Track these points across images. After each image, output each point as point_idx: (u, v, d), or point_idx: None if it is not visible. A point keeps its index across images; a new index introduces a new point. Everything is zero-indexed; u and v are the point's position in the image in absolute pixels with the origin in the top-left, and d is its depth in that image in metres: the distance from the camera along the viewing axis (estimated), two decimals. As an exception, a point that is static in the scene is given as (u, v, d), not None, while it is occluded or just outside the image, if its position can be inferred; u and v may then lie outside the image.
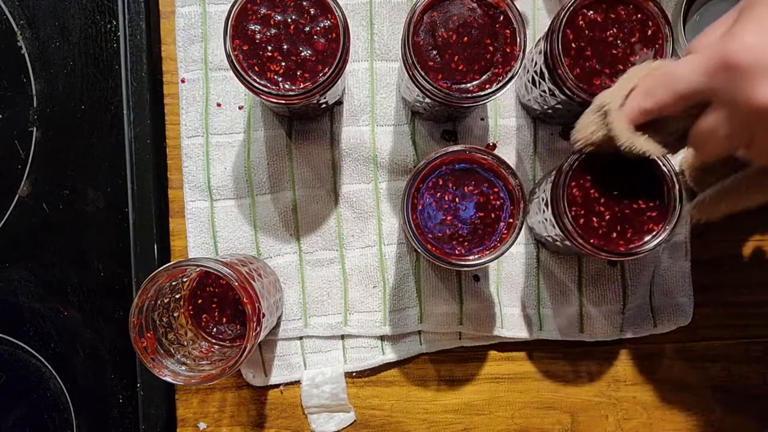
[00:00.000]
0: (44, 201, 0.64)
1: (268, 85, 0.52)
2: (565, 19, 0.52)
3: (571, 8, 0.52)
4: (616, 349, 0.65)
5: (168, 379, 0.49)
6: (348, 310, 0.63)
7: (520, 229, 0.51)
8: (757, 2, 0.39)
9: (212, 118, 0.63)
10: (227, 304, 0.57)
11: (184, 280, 0.56)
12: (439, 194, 0.53)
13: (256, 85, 0.51)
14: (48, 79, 0.64)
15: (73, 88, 0.64)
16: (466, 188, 0.53)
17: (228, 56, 0.51)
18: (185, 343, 0.54)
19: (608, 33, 0.54)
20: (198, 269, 0.52)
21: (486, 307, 0.63)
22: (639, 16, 0.54)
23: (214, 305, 0.57)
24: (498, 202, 0.53)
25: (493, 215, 0.53)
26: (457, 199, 0.53)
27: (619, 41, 0.54)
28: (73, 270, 0.64)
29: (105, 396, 0.64)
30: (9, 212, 0.63)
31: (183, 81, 0.63)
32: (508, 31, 0.53)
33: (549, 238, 0.59)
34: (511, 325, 0.63)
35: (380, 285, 0.63)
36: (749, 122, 0.38)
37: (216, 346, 0.57)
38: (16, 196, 0.63)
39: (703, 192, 0.50)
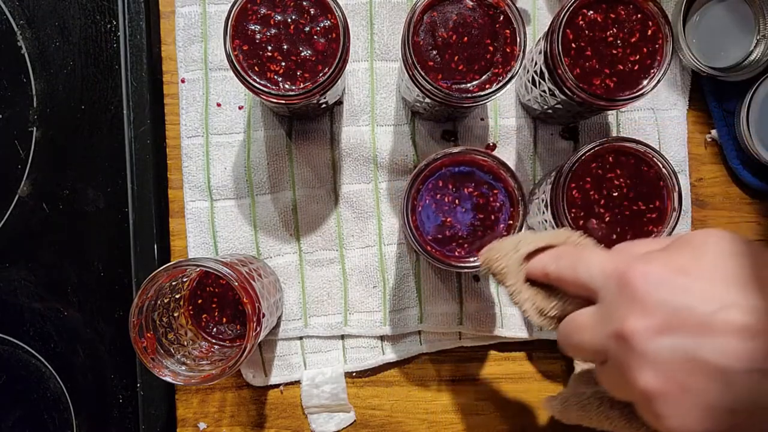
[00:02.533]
0: (44, 201, 0.64)
1: (268, 85, 0.52)
2: (565, 19, 0.52)
3: (571, 8, 0.52)
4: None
5: (168, 379, 0.49)
6: (348, 310, 0.63)
7: (520, 230, 0.51)
8: (683, 240, 0.38)
9: (212, 118, 0.63)
10: (227, 304, 0.57)
11: (184, 280, 0.56)
12: (438, 196, 0.53)
13: (256, 85, 0.51)
14: (48, 79, 0.64)
15: (73, 88, 0.64)
16: (465, 190, 0.53)
17: (228, 56, 0.51)
18: (185, 343, 0.54)
19: (608, 33, 0.54)
20: (198, 269, 0.52)
21: (486, 307, 0.63)
22: (639, 16, 0.54)
23: (214, 305, 0.57)
24: (498, 204, 0.53)
25: (492, 217, 0.53)
26: (456, 201, 0.53)
27: (619, 41, 0.54)
28: (73, 270, 0.64)
29: (105, 396, 0.64)
30: (9, 212, 0.63)
31: (183, 81, 0.63)
32: (508, 31, 0.53)
33: (549, 239, 0.59)
34: (511, 325, 0.63)
35: (380, 285, 0.63)
36: (613, 346, 0.37)
37: (216, 346, 0.57)
38: (16, 196, 0.63)
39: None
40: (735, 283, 0.35)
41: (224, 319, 0.57)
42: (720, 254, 0.36)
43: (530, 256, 0.44)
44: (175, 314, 0.55)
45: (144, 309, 0.50)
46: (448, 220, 0.53)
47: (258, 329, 0.50)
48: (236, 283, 0.49)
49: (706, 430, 0.34)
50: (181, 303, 0.56)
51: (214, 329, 0.58)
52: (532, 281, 0.44)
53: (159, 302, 0.52)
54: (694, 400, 0.34)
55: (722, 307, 0.34)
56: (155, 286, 0.49)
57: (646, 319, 0.35)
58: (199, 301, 0.57)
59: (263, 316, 0.51)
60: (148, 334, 0.50)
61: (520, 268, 0.44)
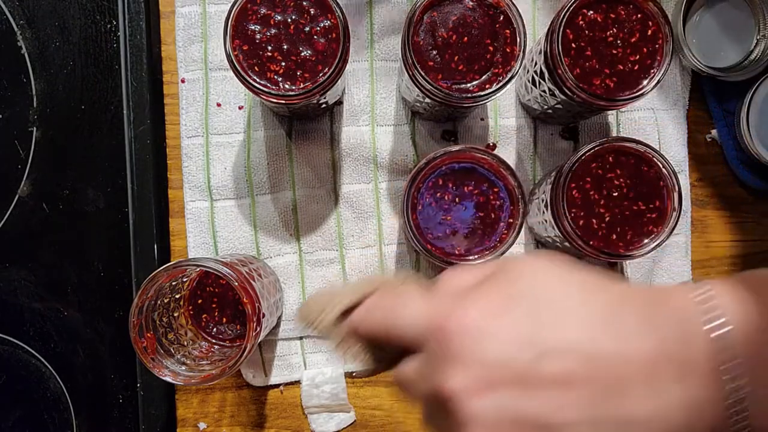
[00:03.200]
0: (44, 201, 0.64)
1: (268, 85, 0.52)
2: (565, 19, 0.52)
3: (571, 8, 0.52)
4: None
5: (168, 379, 0.49)
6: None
7: (520, 229, 0.51)
8: (500, 271, 0.35)
9: (212, 118, 0.63)
10: (227, 304, 0.57)
11: (184, 280, 0.56)
12: (439, 194, 0.53)
13: (256, 85, 0.51)
14: (48, 79, 0.64)
15: (73, 88, 0.64)
16: (466, 188, 0.53)
17: (228, 56, 0.51)
18: (185, 343, 0.54)
19: (608, 33, 0.54)
20: (198, 269, 0.52)
21: (486, 307, 0.63)
22: (639, 16, 0.54)
23: (214, 305, 0.57)
24: (498, 202, 0.53)
25: (493, 215, 0.53)
26: (457, 199, 0.53)
27: (619, 41, 0.54)
28: (73, 270, 0.64)
29: (105, 396, 0.64)
30: (9, 212, 0.63)
31: (183, 81, 0.63)
32: (508, 31, 0.53)
33: (549, 239, 0.59)
34: (511, 325, 0.63)
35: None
36: (436, 407, 0.34)
37: (216, 346, 0.57)
38: (16, 196, 0.63)
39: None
40: (551, 321, 0.32)
41: (224, 319, 0.57)
42: (535, 288, 0.33)
43: (350, 310, 0.41)
44: (175, 314, 0.55)
45: (144, 309, 0.50)
46: (449, 218, 0.53)
47: (258, 329, 0.50)
48: (236, 283, 0.49)
49: None
50: (181, 303, 0.56)
51: (214, 329, 0.58)
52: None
53: (159, 302, 0.52)
54: None
55: (540, 355, 0.31)
56: (155, 286, 0.49)
57: (466, 377, 0.32)
58: (199, 301, 0.57)
59: (263, 316, 0.51)
60: (148, 334, 0.50)
61: (339, 326, 0.41)
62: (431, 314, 0.35)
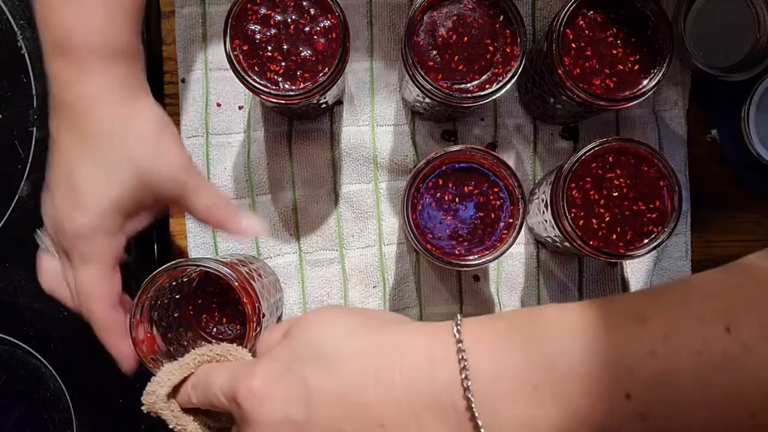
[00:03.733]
0: (44, 201, 0.64)
1: (268, 85, 0.52)
2: (565, 19, 0.52)
3: (571, 8, 0.52)
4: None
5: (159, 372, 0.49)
6: (348, 310, 0.63)
7: (520, 229, 0.51)
8: (293, 326, 0.41)
9: (212, 118, 0.63)
10: (227, 304, 0.57)
11: (185, 280, 0.56)
12: (439, 194, 0.53)
13: (256, 85, 0.51)
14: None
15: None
16: (466, 188, 0.53)
17: (228, 56, 0.51)
18: (185, 343, 0.54)
19: (608, 33, 0.54)
20: (198, 269, 0.52)
21: (486, 307, 0.63)
22: (639, 16, 0.54)
23: (214, 305, 0.57)
24: (498, 202, 0.53)
25: (493, 215, 0.53)
26: (457, 199, 0.53)
27: (619, 41, 0.54)
28: (73, 270, 0.64)
29: (105, 396, 0.64)
30: (9, 212, 0.63)
31: (183, 81, 0.63)
32: (508, 31, 0.53)
33: (549, 239, 0.59)
34: (511, 325, 0.63)
35: (380, 285, 0.63)
36: None
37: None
38: (16, 196, 0.63)
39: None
40: (322, 376, 0.36)
41: (224, 319, 0.57)
42: (314, 342, 0.38)
43: (177, 388, 0.44)
44: (175, 314, 0.55)
45: (144, 309, 0.49)
46: (449, 218, 0.53)
47: (258, 329, 0.50)
48: (236, 284, 0.49)
49: None
50: (181, 303, 0.56)
51: (214, 329, 0.58)
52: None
53: (159, 302, 0.52)
54: None
55: (312, 409, 0.36)
56: (155, 286, 0.49)
57: None
58: (200, 301, 0.57)
59: (263, 316, 0.51)
60: (148, 334, 0.50)
61: (170, 404, 0.44)
62: (230, 384, 0.39)
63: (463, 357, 0.35)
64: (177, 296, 0.55)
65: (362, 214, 0.63)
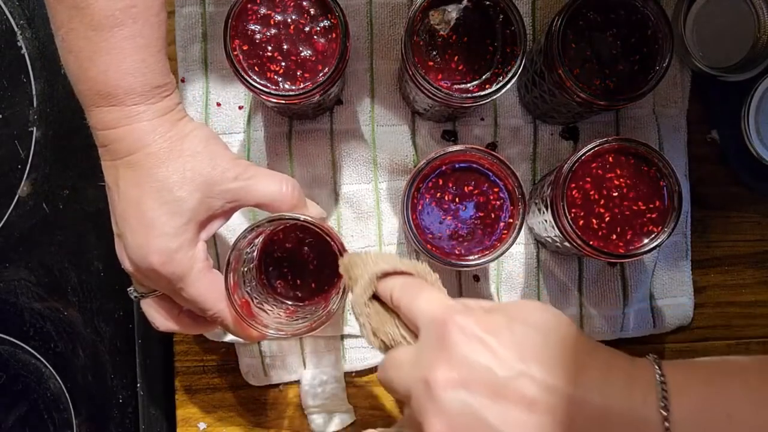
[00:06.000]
0: (44, 201, 0.64)
1: (268, 85, 0.52)
2: (565, 19, 0.52)
3: (571, 8, 0.52)
4: (616, 350, 0.65)
5: (272, 333, 0.50)
6: (348, 310, 0.63)
7: (520, 229, 0.51)
8: (507, 305, 0.41)
9: (212, 118, 0.63)
10: (297, 265, 0.57)
11: (252, 249, 0.55)
12: (439, 194, 0.53)
13: (256, 85, 0.51)
14: (48, 79, 0.64)
15: (73, 88, 0.64)
16: (466, 188, 0.53)
17: (228, 56, 0.51)
18: (270, 309, 0.54)
19: (608, 33, 0.54)
20: (272, 225, 0.51)
21: (486, 307, 0.63)
22: (639, 16, 0.54)
23: (285, 270, 0.57)
24: (498, 202, 0.53)
25: (492, 215, 0.53)
26: (457, 199, 0.53)
27: (619, 41, 0.54)
28: (73, 270, 0.64)
29: (105, 396, 0.64)
30: (9, 212, 0.63)
31: (183, 81, 0.63)
32: (508, 31, 0.53)
33: (549, 239, 0.59)
34: (511, 325, 0.63)
35: (380, 285, 0.63)
36: (417, 390, 0.38)
37: (298, 309, 0.56)
38: (16, 196, 0.63)
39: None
40: (535, 357, 0.37)
41: (298, 281, 0.57)
42: (531, 327, 0.38)
43: (386, 275, 0.44)
44: (253, 283, 0.55)
45: (236, 274, 0.50)
46: (449, 218, 0.53)
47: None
48: (324, 228, 0.49)
49: None
50: (255, 273, 0.56)
51: (291, 293, 0.57)
52: (380, 301, 0.44)
53: (243, 270, 0.52)
54: None
55: (516, 375, 0.36)
56: (239, 252, 0.50)
57: (450, 370, 0.37)
58: (270, 269, 0.57)
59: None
60: (244, 300, 0.50)
61: (373, 283, 0.44)
62: (443, 308, 0.39)
63: (663, 391, 0.36)
64: (245, 269, 0.55)
65: (362, 214, 0.63)
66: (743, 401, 0.36)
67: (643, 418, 0.36)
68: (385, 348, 0.43)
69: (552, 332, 0.38)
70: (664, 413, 0.35)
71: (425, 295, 0.41)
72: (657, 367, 0.37)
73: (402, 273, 0.44)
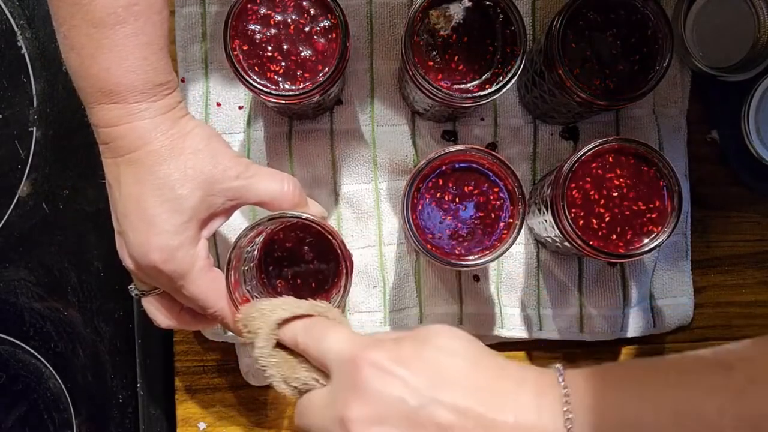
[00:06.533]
0: (44, 201, 0.64)
1: (268, 85, 0.52)
2: (565, 19, 0.52)
3: (571, 8, 0.52)
4: (616, 350, 0.65)
5: None
6: (348, 310, 0.63)
7: (520, 229, 0.51)
8: (417, 332, 0.41)
9: (212, 118, 0.63)
10: (297, 263, 0.57)
11: (253, 247, 0.55)
12: (439, 194, 0.53)
13: (256, 85, 0.51)
14: (48, 79, 0.64)
15: (73, 87, 0.64)
16: (466, 188, 0.53)
17: (228, 56, 0.51)
18: None
19: (608, 33, 0.54)
20: (271, 225, 0.51)
21: (486, 307, 0.63)
22: (639, 16, 0.54)
23: (285, 268, 0.57)
24: (498, 202, 0.53)
25: (493, 215, 0.53)
26: (457, 199, 0.53)
27: (619, 41, 0.54)
28: (73, 270, 0.64)
29: (105, 396, 0.64)
30: (9, 212, 0.63)
31: (183, 81, 0.63)
32: (508, 31, 0.53)
33: (549, 239, 0.59)
34: (511, 325, 0.63)
35: (380, 285, 0.63)
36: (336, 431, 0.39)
37: None
38: (16, 196, 0.63)
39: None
40: (446, 382, 0.38)
41: (298, 280, 0.57)
42: (441, 352, 0.39)
43: (286, 321, 0.44)
44: (253, 281, 0.55)
45: (237, 272, 0.50)
46: (449, 218, 0.53)
47: (351, 260, 0.50)
48: (320, 225, 0.49)
49: None
50: (255, 272, 0.56)
51: (291, 292, 0.56)
52: (284, 347, 0.44)
53: (244, 269, 0.52)
54: None
55: (429, 403, 0.37)
56: (240, 250, 0.49)
57: (364, 407, 0.37)
58: (270, 268, 0.57)
59: (351, 266, 0.51)
60: (245, 298, 0.50)
61: (274, 332, 0.44)
62: (351, 345, 0.40)
63: (567, 403, 0.37)
64: (245, 269, 0.55)
65: (362, 214, 0.63)
66: (645, 405, 0.37)
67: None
68: (300, 394, 0.43)
69: (460, 355, 0.39)
70: (569, 426, 0.36)
71: (331, 334, 0.42)
72: (561, 378, 0.38)
73: (302, 316, 0.44)
